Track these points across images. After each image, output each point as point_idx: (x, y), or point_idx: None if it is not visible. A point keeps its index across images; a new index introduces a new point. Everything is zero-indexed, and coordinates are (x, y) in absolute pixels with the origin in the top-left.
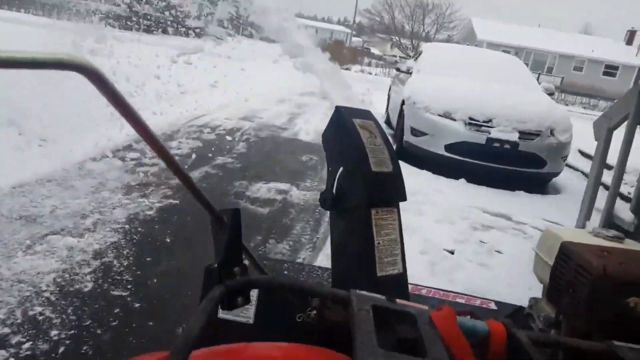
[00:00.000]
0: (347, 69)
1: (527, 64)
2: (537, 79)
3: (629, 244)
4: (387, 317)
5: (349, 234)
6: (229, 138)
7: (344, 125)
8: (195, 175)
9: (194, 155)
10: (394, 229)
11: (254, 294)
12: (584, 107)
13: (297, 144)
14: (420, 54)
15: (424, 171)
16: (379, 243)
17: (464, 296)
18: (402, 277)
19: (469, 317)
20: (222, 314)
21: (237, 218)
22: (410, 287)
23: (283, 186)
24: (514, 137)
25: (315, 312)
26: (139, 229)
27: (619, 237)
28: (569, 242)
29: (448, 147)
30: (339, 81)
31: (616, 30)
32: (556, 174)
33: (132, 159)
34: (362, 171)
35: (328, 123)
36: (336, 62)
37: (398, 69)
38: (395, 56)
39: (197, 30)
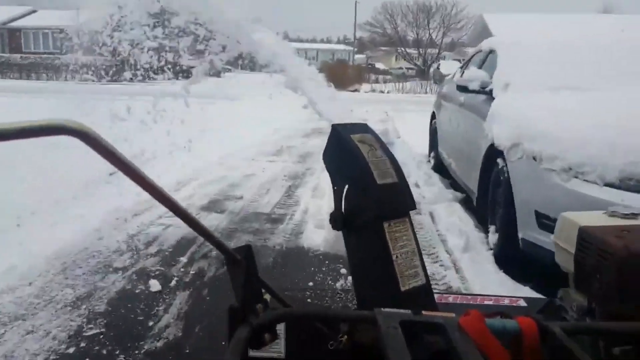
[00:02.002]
0: (355, 90)
1: None
2: None
3: None
4: (416, 331)
5: (365, 253)
6: (151, 287)
7: (343, 143)
8: None
9: None
10: (409, 239)
11: (280, 327)
12: None
13: (305, 265)
14: (473, 56)
15: None
16: (396, 257)
17: (491, 297)
18: (427, 287)
19: (498, 317)
20: (252, 353)
21: (250, 254)
22: (436, 296)
23: None
24: None
25: (346, 337)
26: None
27: (634, 214)
28: (587, 226)
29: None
30: (346, 110)
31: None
32: None
33: None
34: (368, 185)
35: (327, 143)
36: (343, 86)
37: (439, 78)
38: (401, 68)
39: (191, 70)
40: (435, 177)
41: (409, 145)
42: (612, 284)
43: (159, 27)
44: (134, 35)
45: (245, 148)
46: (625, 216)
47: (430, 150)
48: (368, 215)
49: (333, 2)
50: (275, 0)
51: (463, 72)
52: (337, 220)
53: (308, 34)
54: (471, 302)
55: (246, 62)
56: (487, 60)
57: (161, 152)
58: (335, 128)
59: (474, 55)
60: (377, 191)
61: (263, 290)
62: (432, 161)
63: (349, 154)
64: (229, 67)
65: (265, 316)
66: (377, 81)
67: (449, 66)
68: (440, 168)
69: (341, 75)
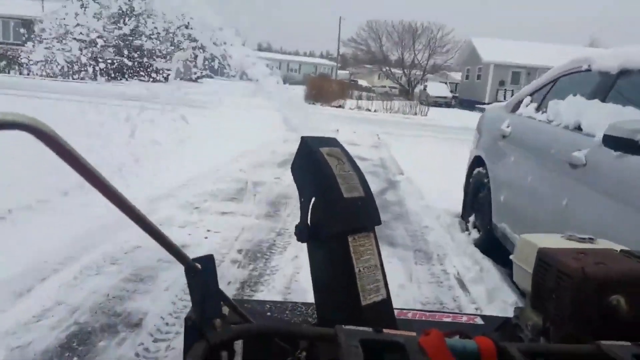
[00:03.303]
0: (339, 106)
1: None
2: None
3: (601, 244)
4: (377, 350)
5: (329, 265)
6: None
7: (311, 156)
8: None
9: None
10: (373, 254)
11: (238, 342)
12: None
13: None
14: (557, 80)
15: None
16: (359, 270)
17: (450, 314)
18: (387, 303)
19: (457, 336)
20: None
21: (211, 265)
22: (395, 312)
23: None
24: None
25: (305, 352)
26: None
27: (590, 239)
28: (546, 248)
29: None
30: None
31: (622, 42)
32: None
33: None
34: (335, 199)
35: (295, 155)
36: (323, 102)
37: (426, 99)
38: (384, 86)
39: (167, 74)
40: (488, 264)
41: (421, 188)
42: (567, 305)
43: (126, 25)
44: (101, 33)
45: (190, 183)
46: (582, 240)
47: (468, 212)
48: (333, 228)
49: (318, 17)
50: (259, 11)
51: (546, 105)
52: (303, 232)
53: (290, 45)
54: (430, 319)
55: (231, 71)
56: (614, 88)
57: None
58: (305, 140)
59: (557, 77)
60: (344, 205)
61: (222, 303)
62: (472, 231)
63: (317, 167)
64: (211, 74)
65: (222, 333)
66: (360, 97)
67: (436, 88)
68: (491, 247)
69: (325, 89)
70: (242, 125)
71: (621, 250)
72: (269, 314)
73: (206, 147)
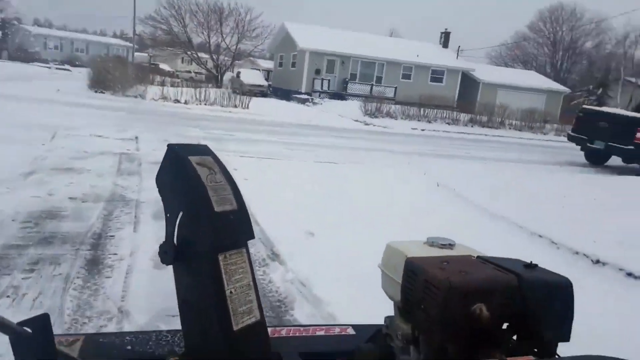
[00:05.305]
0: (137, 96)
1: (355, 75)
2: (370, 92)
3: (459, 249)
4: None
5: (197, 288)
6: None
7: (179, 165)
8: None
9: None
10: (245, 272)
11: None
12: (448, 124)
13: None
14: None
15: None
16: (231, 292)
17: (322, 327)
18: (261, 324)
19: None
20: None
21: (47, 325)
22: (269, 329)
23: None
24: None
25: None
26: None
27: (450, 244)
28: (414, 257)
29: None
30: None
31: (421, 34)
32: None
33: None
34: (205, 213)
35: (161, 164)
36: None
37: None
38: (190, 72)
39: None
40: None
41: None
42: (435, 316)
43: None
44: None
45: None
46: (443, 246)
47: None
48: (202, 245)
49: None
50: None
51: None
52: (168, 252)
53: (76, 23)
54: (304, 334)
55: None
56: None
57: None
58: (172, 148)
59: None
60: (214, 219)
61: None
62: None
63: (186, 177)
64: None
65: None
66: (163, 83)
67: (250, 75)
68: None
69: (117, 74)
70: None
71: (477, 257)
72: (129, 347)
73: None
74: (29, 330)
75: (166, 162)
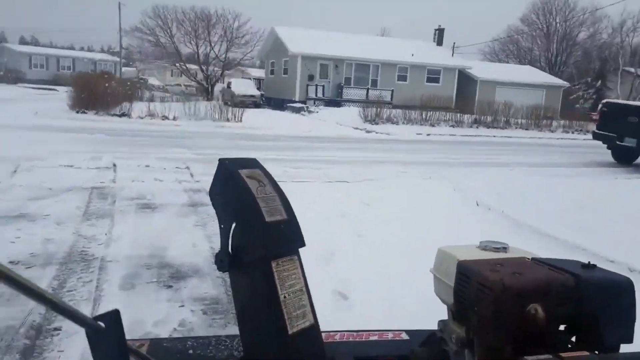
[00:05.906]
0: (123, 114)
1: (350, 79)
2: (367, 96)
3: (513, 251)
4: None
5: (252, 294)
6: None
7: (230, 179)
8: None
9: None
10: (298, 278)
11: None
12: (452, 126)
13: None
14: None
15: None
16: (284, 297)
17: (376, 333)
18: (315, 328)
19: None
20: None
21: (117, 320)
22: (323, 335)
23: None
24: None
25: None
26: None
27: (504, 248)
28: (465, 260)
29: None
30: None
31: (412, 32)
32: None
33: None
34: (256, 223)
35: (213, 178)
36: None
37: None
38: (180, 85)
39: None
40: None
41: None
42: (489, 317)
43: None
44: None
45: None
46: (497, 250)
47: None
48: (255, 253)
49: (97, 6)
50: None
51: None
52: (224, 260)
53: (63, 40)
54: (357, 339)
55: None
56: None
57: None
58: (223, 162)
59: None
60: (265, 229)
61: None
62: None
63: (237, 190)
64: None
65: None
66: (152, 99)
67: (241, 85)
68: None
69: (102, 91)
70: None
71: (532, 258)
72: (190, 351)
73: None
74: (102, 324)
75: (218, 177)
